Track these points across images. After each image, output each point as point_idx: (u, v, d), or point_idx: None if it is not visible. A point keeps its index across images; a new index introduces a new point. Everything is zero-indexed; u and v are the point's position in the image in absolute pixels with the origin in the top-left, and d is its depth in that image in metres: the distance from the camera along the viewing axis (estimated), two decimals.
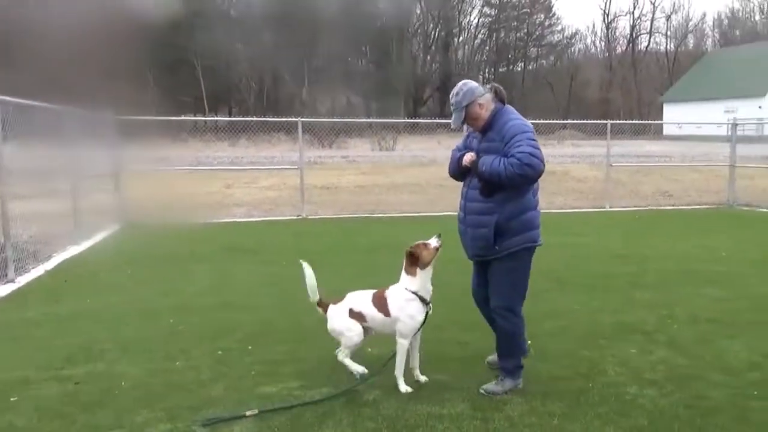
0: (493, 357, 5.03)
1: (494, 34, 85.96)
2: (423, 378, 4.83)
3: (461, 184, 4.79)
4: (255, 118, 17.57)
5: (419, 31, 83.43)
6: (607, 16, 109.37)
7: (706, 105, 63.84)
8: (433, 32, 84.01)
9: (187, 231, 12.13)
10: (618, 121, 19.28)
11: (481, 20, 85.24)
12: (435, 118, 40.01)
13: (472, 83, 4.60)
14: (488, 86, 4.61)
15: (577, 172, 22.57)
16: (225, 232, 12.16)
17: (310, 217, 14.17)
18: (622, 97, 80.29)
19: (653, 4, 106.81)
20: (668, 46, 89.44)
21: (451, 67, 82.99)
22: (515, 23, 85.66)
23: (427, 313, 4.66)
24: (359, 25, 67.37)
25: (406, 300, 4.62)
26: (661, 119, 68.79)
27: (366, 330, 4.77)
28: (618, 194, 17.42)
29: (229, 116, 54.14)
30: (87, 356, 5.40)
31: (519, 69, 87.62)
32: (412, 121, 37.33)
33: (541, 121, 35.35)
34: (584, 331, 5.96)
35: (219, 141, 33.24)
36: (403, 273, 4.69)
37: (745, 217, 14.54)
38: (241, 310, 6.74)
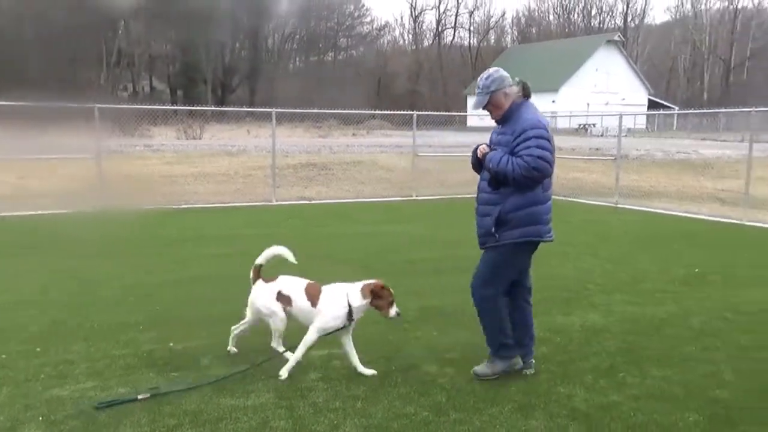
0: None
1: (304, 23, 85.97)
2: (370, 372, 4.78)
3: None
4: (45, 104, 16.31)
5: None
6: (415, 9, 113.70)
7: None
8: (242, 18, 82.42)
9: None
10: (423, 113, 19.91)
11: (291, 8, 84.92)
12: (244, 107, 39.31)
13: (504, 72, 4.65)
14: (517, 79, 4.66)
15: (385, 161, 23.11)
16: (13, 226, 11.23)
17: (111, 208, 13.44)
18: (429, 89, 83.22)
19: (457, 0, 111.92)
20: (471, 41, 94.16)
21: (261, 54, 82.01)
22: (325, 12, 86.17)
23: (345, 326, 4.68)
24: (163, 7, 64.74)
25: (341, 305, 4.65)
26: (466, 111, 72.20)
27: (288, 314, 4.84)
28: (425, 183, 18.03)
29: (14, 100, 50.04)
30: None
31: (330, 59, 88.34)
32: (219, 109, 36.53)
33: (351, 111, 36.02)
34: None
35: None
36: (360, 286, 4.70)
37: None
38: (27, 309, 6.24)
